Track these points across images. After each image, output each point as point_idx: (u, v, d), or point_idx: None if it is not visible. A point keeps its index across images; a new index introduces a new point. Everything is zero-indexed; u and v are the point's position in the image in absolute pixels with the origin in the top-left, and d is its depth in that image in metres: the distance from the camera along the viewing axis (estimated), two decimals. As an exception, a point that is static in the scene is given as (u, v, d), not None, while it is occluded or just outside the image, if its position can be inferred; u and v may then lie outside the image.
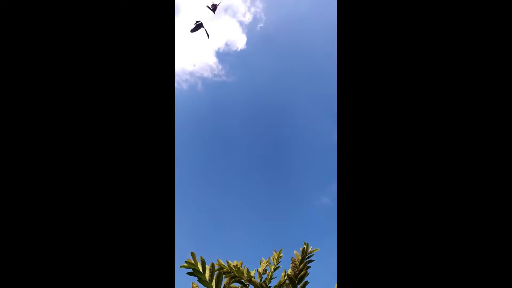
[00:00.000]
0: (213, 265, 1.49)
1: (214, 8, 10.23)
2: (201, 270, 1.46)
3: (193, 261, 1.46)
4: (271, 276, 1.68)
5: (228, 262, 1.61)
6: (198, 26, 10.01)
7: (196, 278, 1.47)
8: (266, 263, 1.70)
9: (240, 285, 1.58)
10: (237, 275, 1.55)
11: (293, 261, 1.60)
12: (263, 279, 1.67)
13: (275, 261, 1.70)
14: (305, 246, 1.59)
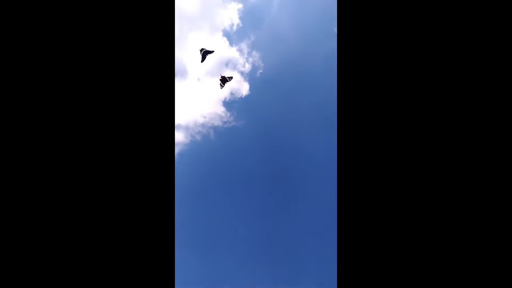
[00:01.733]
0: None
1: (223, 81, 12.99)
2: None
3: None
4: None
5: None
6: (204, 54, 12.19)
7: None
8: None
9: None
10: None
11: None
12: None
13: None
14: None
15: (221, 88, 13.12)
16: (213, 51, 12.34)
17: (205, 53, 12.09)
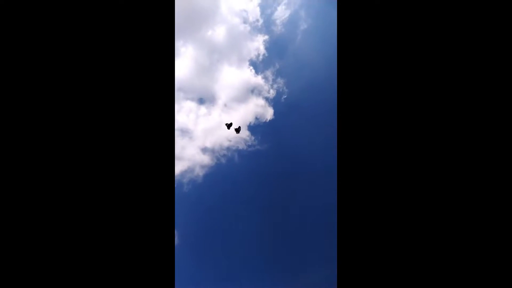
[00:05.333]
0: None
1: (237, 131, 15.01)
2: None
3: None
4: None
5: None
6: (228, 126, 15.09)
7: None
8: None
9: None
10: None
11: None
12: None
13: None
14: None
15: (237, 132, 14.99)
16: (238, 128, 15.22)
17: (229, 126, 14.89)
